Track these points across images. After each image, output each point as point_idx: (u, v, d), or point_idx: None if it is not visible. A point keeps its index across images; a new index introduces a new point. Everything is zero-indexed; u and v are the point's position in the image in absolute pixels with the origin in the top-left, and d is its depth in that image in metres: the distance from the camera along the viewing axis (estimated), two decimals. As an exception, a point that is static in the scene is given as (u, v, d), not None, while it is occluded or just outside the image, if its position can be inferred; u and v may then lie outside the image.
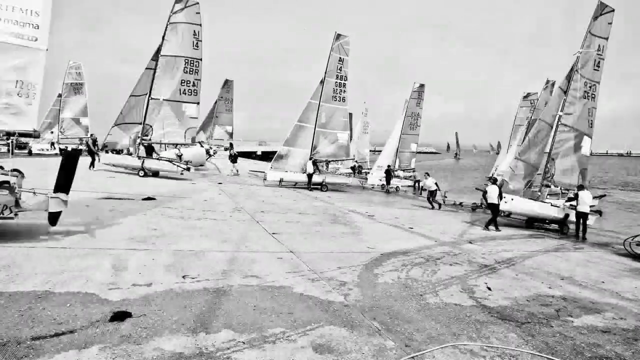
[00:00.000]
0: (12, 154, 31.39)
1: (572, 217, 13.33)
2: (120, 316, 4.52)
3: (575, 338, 4.73)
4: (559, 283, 7.01)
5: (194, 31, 21.48)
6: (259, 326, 4.53)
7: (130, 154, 21.49)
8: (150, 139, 21.33)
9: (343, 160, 25.84)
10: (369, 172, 30.51)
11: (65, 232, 8.14)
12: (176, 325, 4.44)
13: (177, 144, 24.35)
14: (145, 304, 4.95)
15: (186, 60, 21.36)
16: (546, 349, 4.34)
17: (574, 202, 13.27)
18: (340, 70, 23.52)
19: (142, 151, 21.39)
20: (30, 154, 32.20)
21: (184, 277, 6.05)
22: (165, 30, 21.08)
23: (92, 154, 22.07)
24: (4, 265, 6.02)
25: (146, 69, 21.48)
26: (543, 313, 5.48)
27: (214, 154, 38.90)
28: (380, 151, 31.41)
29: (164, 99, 21.22)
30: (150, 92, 20.99)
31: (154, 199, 12.95)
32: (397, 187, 27.44)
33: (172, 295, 5.29)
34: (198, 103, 22.01)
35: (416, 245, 9.35)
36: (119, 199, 12.75)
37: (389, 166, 27.89)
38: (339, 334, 4.48)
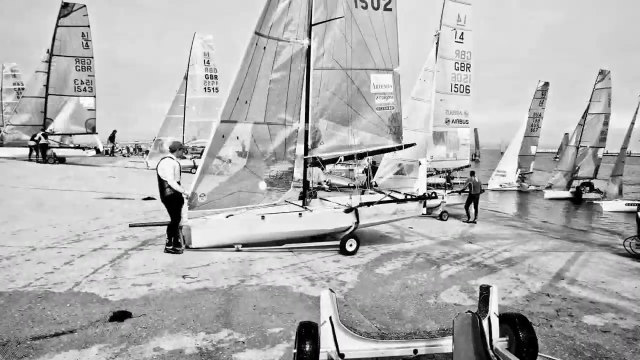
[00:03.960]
0: None
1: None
2: (120, 316, 4.53)
3: (575, 338, 4.73)
4: (559, 283, 7.01)
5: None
6: (259, 326, 4.53)
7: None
8: None
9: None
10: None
11: (66, 232, 8.15)
12: (176, 325, 4.44)
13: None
14: (145, 304, 4.96)
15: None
16: (546, 349, 4.35)
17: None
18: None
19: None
20: None
21: (183, 277, 6.05)
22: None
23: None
24: (4, 265, 6.03)
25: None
26: (543, 313, 5.48)
27: None
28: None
29: None
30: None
31: (154, 198, 12.94)
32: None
33: (172, 295, 5.30)
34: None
35: (416, 245, 9.35)
36: (119, 198, 12.75)
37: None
38: (339, 333, 4.48)
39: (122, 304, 4.91)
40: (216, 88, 26.41)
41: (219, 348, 4.00)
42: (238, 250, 7.54)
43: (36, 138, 22.47)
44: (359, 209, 8.26)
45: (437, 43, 15.68)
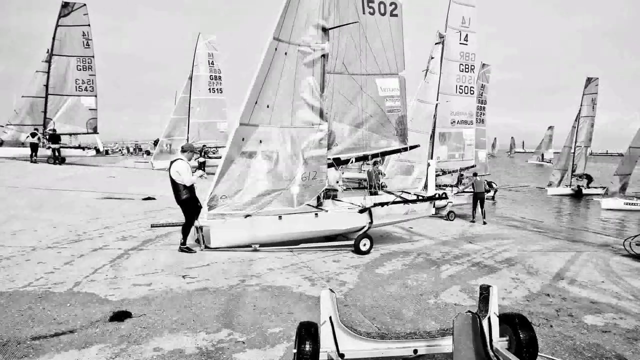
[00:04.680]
0: None
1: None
2: (120, 316, 4.53)
3: (575, 338, 4.73)
4: (559, 283, 7.01)
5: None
6: (259, 326, 4.53)
7: None
8: None
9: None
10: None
11: (66, 232, 8.15)
12: (176, 325, 4.44)
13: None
14: (145, 304, 4.96)
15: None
16: (546, 349, 4.35)
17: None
18: None
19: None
20: None
21: (183, 277, 6.05)
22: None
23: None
24: (4, 265, 6.03)
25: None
26: (543, 313, 5.48)
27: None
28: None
29: None
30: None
31: (154, 198, 12.95)
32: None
33: (172, 295, 5.30)
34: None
35: (416, 245, 9.35)
36: (119, 198, 12.75)
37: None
38: (339, 333, 4.47)
39: (122, 304, 4.91)
40: (220, 89, 26.47)
41: (219, 348, 4.00)
42: (255, 250, 7.61)
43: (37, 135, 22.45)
44: (372, 209, 8.43)
45: (442, 45, 15.86)
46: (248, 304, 5.17)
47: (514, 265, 8.12)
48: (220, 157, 28.48)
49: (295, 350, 3.22)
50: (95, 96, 24.40)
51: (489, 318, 3.39)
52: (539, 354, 3.46)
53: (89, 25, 23.92)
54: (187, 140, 25.19)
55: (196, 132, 25.72)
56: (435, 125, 16.10)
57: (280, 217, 7.78)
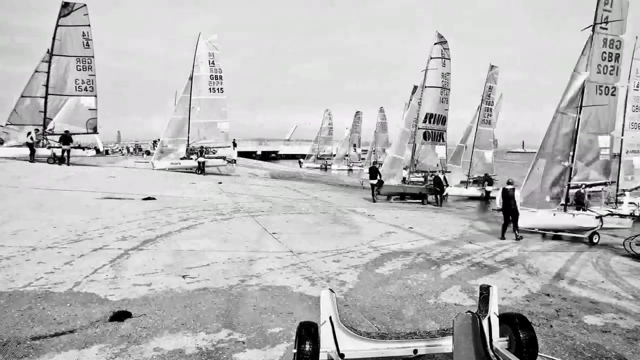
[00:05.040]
0: None
1: None
2: (120, 316, 4.53)
3: (575, 338, 4.73)
4: (559, 283, 7.01)
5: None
6: (258, 326, 4.53)
7: None
8: None
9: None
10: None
11: (66, 232, 8.15)
12: (176, 325, 4.44)
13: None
14: (145, 304, 4.96)
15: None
16: (546, 349, 4.35)
17: None
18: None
19: None
20: None
21: (183, 277, 6.05)
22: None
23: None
24: (4, 265, 6.03)
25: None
26: (543, 313, 5.48)
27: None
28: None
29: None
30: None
31: (154, 198, 12.95)
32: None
33: (172, 295, 5.30)
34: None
35: (416, 246, 9.34)
36: (119, 198, 12.75)
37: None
38: (339, 333, 4.47)
39: (122, 304, 4.91)
40: (221, 88, 26.30)
41: (219, 348, 4.00)
42: (536, 233, 11.65)
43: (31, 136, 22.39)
44: (603, 217, 12.01)
45: (626, 93, 20.13)
46: (248, 304, 5.17)
47: (514, 265, 8.11)
48: (219, 157, 28.11)
49: (295, 350, 3.22)
50: (95, 96, 24.36)
51: (489, 318, 3.39)
52: (539, 354, 3.46)
53: (89, 25, 23.90)
54: (188, 140, 25.09)
55: (196, 132, 25.61)
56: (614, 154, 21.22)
57: (554, 214, 11.92)
